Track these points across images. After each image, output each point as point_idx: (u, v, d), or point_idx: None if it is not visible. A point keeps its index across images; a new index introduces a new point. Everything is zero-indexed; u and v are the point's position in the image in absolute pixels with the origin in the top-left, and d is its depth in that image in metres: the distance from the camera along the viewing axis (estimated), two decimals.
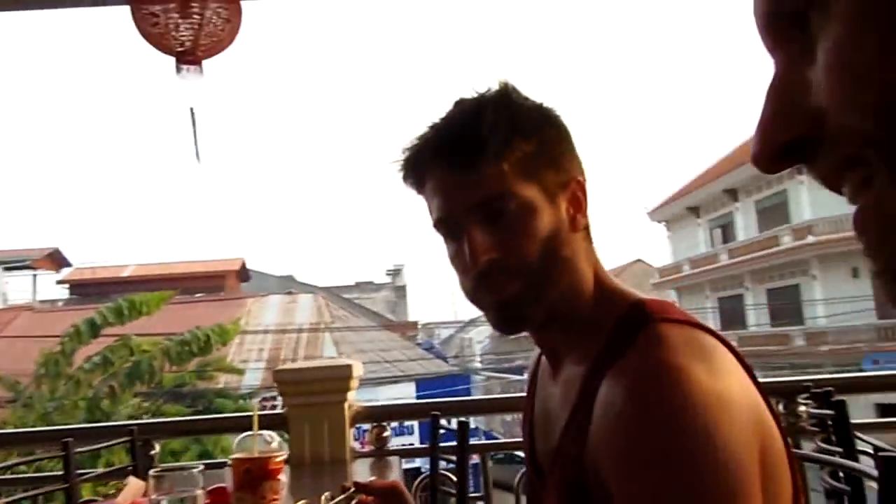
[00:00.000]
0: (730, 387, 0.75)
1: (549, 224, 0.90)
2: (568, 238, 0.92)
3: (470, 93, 0.96)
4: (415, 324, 35.01)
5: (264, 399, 15.09)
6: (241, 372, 13.19)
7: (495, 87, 0.95)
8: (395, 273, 43.44)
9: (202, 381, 11.64)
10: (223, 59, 3.31)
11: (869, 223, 0.35)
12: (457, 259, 0.94)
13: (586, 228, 0.96)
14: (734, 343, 0.87)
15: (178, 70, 3.15)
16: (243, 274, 31.14)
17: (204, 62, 3.20)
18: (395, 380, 17.01)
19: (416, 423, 12.28)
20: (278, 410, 2.80)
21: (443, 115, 0.95)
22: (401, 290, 42.37)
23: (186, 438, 8.63)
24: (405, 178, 0.97)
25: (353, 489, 1.20)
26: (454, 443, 2.46)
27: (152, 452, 2.59)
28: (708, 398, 0.72)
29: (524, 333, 0.96)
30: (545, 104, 0.96)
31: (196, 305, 19.93)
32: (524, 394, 1.12)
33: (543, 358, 1.06)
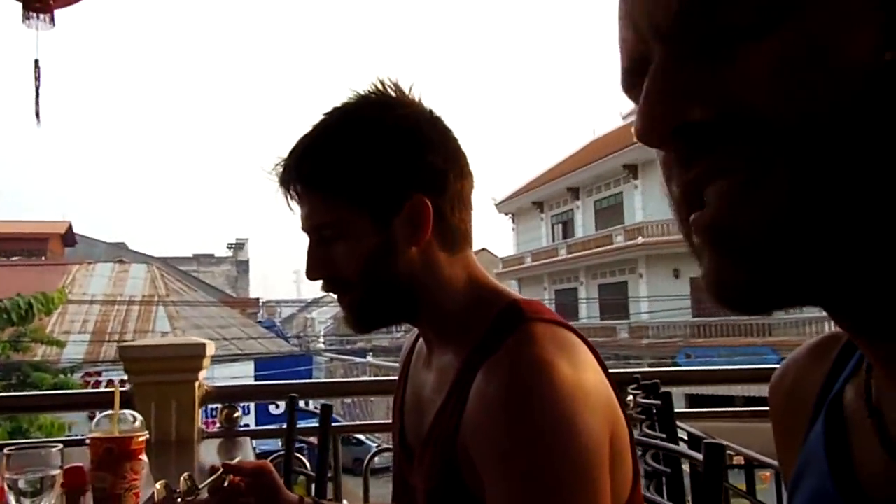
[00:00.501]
0: (588, 380, 0.86)
1: (373, 247, 0.98)
2: (405, 255, 0.98)
3: (345, 97, 1.02)
4: (256, 301, 34.12)
5: (87, 374, 14.17)
6: (61, 344, 12.34)
7: (352, 102, 1.01)
8: (238, 247, 42.05)
9: (16, 352, 10.77)
10: (77, 10, 3.09)
11: (737, 210, 0.38)
12: None
13: (447, 238, 1.00)
14: None
15: (26, 17, 2.90)
16: (69, 238, 28.95)
17: (56, 12, 2.97)
18: (233, 358, 16.52)
19: (252, 404, 12.03)
20: (106, 389, 2.68)
21: (305, 132, 1.02)
22: (243, 265, 41.11)
23: None
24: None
25: (222, 470, 1.21)
26: (306, 424, 2.49)
27: None
28: (570, 390, 0.82)
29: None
30: (395, 121, 0.99)
31: (13, 269, 18.32)
32: (382, 378, 1.20)
33: (418, 345, 1.13)
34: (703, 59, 0.39)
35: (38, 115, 3.24)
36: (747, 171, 0.37)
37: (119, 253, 28.05)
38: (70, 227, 28.94)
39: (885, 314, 0.40)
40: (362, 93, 1.02)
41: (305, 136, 1.01)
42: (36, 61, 3.17)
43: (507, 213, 31.27)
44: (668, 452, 1.71)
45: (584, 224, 25.96)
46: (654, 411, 2.15)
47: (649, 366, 18.97)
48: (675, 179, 0.41)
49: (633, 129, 0.40)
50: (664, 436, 2.04)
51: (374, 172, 0.97)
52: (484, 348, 0.91)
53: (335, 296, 1.04)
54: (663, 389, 2.20)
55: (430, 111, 1.03)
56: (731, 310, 0.40)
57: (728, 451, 2.45)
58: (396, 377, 1.21)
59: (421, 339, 1.11)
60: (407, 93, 1.02)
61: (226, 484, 1.18)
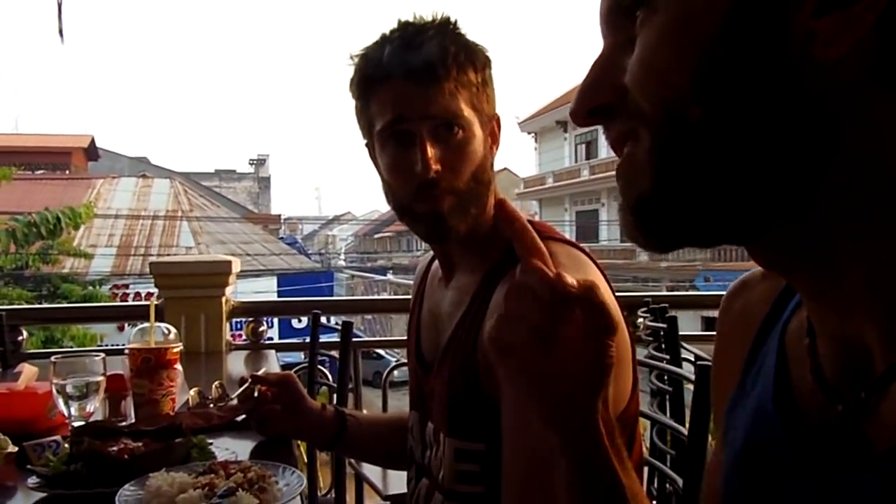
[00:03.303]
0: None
1: (481, 151, 1.04)
2: (488, 165, 1.07)
3: (413, 16, 1.04)
4: (278, 217, 34.41)
5: (115, 286, 14.54)
6: (89, 257, 12.58)
7: (440, 17, 1.04)
8: (259, 163, 41.97)
9: (46, 264, 11.06)
10: None
11: (622, 172, 0.50)
12: (400, 166, 1.03)
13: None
14: None
15: None
16: (92, 152, 29.04)
17: None
18: (256, 273, 16.83)
19: (275, 318, 12.33)
20: (139, 303, 2.80)
21: (397, 30, 1.03)
22: (264, 182, 41.17)
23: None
24: (358, 83, 1.04)
25: (250, 381, 1.31)
26: (326, 339, 2.61)
27: (20, 339, 2.55)
28: None
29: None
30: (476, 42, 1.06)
31: (38, 183, 18.55)
32: (400, 297, 1.28)
33: (433, 266, 1.20)
34: (618, 52, 0.49)
35: (60, 32, 3.28)
36: (629, 138, 0.48)
37: (142, 167, 28.22)
38: (93, 141, 28.99)
39: (783, 248, 0.47)
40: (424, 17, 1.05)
41: (410, 31, 1.02)
42: None
43: (529, 133, 30.85)
44: (668, 373, 1.80)
45: (608, 144, 25.50)
46: (662, 334, 2.23)
47: (667, 289, 19.11)
48: None
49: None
50: (668, 357, 2.13)
51: (485, 79, 1.04)
52: (503, 264, 0.99)
53: (436, 196, 1.02)
54: (673, 313, 2.27)
55: None
56: (634, 242, 0.50)
57: None
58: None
59: (435, 262, 1.18)
60: None
61: (256, 394, 1.28)
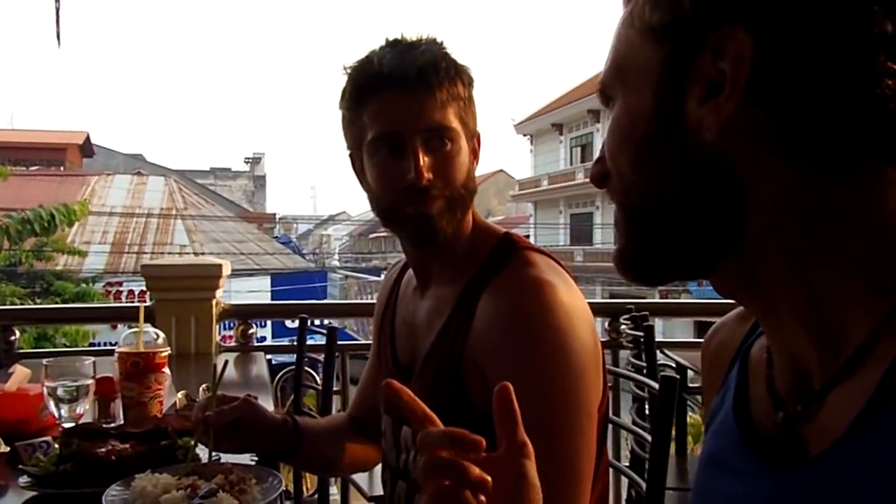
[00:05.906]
0: (578, 299, 1.02)
1: (467, 163, 1.09)
2: (472, 176, 1.12)
3: (402, 34, 1.09)
4: (273, 216, 34.36)
5: (108, 284, 14.54)
6: (83, 254, 12.57)
7: (426, 37, 1.09)
8: (255, 161, 41.89)
9: (39, 261, 11.04)
10: None
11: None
12: (390, 173, 1.06)
13: None
14: (580, 258, 1.11)
15: None
16: (87, 148, 28.97)
17: None
18: (250, 273, 16.83)
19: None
20: (129, 304, 2.83)
21: (387, 45, 1.07)
22: (259, 180, 41.10)
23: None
24: (351, 93, 1.07)
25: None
26: (316, 341, 2.66)
27: (12, 339, 2.59)
28: (567, 307, 0.98)
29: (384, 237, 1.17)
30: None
31: (32, 179, 18.50)
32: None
33: (406, 276, 1.25)
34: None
35: (58, 36, 3.32)
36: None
37: (137, 164, 28.16)
38: (88, 138, 28.92)
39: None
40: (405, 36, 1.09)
41: (403, 46, 1.06)
42: None
43: (525, 135, 30.89)
44: (633, 381, 1.86)
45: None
46: (641, 341, 2.29)
47: (660, 294, 19.16)
48: None
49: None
50: (645, 364, 2.18)
51: (471, 96, 1.09)
52: (484, 274, 1.05)
53: (426, 200, 1.05)
54: (649, 322, 2.33)
55: None
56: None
57: None
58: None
59: (408, 272, 1.22)
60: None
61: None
